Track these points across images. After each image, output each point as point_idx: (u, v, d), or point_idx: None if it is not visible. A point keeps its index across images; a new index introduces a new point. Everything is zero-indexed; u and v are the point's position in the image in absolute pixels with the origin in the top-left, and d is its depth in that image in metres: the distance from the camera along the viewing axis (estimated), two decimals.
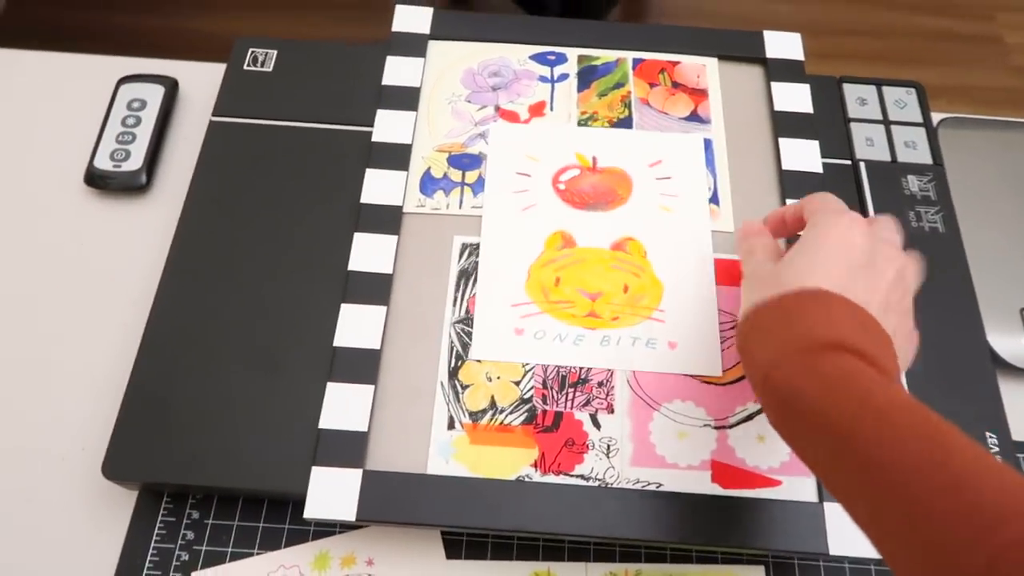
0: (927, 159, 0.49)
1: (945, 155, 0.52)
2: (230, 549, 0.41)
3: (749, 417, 0.39)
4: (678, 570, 0.40)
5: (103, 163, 0.50)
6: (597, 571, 0.40)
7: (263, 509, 0.42)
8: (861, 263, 0.34)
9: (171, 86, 0.54)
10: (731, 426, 0.39)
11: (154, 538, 0.41)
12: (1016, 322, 0.46)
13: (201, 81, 0.54)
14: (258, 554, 0.40)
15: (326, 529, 0.41)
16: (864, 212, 0.47)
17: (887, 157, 0.49)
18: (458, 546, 0.41)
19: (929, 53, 1.63)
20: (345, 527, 0.41)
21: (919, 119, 0.51)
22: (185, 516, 0.41)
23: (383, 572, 0.40)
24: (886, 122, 0.51)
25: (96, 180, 0.50)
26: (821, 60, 1.58)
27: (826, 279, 0.33)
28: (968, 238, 0.49)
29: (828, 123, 0.50)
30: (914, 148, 0.50)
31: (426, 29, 0.52)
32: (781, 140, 0.48)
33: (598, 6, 1.38)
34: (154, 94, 0.53)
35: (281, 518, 0.41)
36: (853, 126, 0.50)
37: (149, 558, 0.40)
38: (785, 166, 0.47)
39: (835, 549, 0.36)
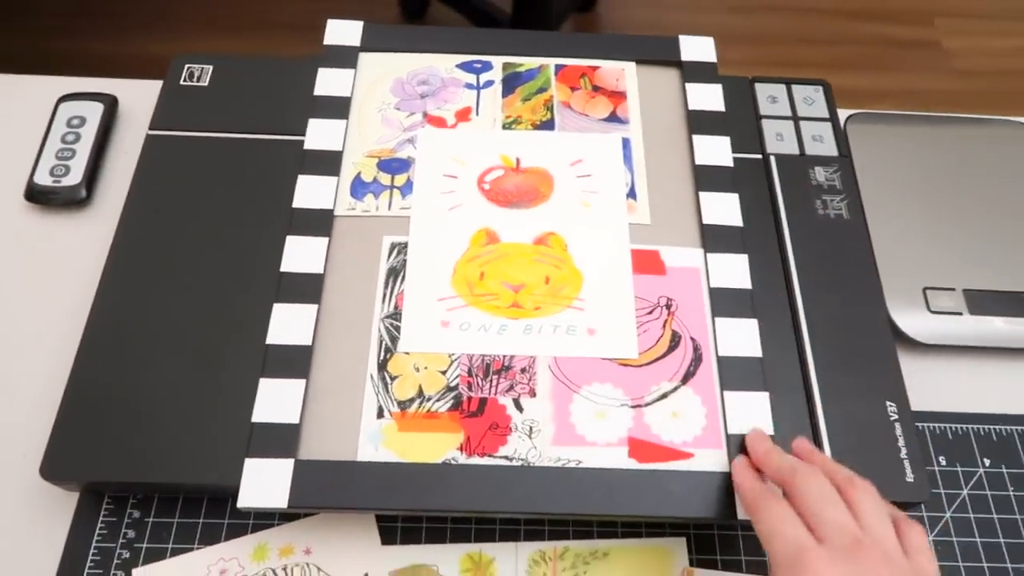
0: (833, 151, 0.52)
1: (854, 148, 0.55)
2: (171, 545, 0.42)
3: (664, 396, 0.42)
4: (604, 545, 0.42)
5: (43, 179, 0.51)
6: (527, 550, 0.42)
7: (202, 506, 0.43)
8: None
9: (110, 103, 0.55)
10: (646, 405, 0.41)
11: (95, 538, 0.42)
12: (919, 300, 0.49)
13: (140, 98, 0.56)
14: (198, 549, 0.42)
15: (265, 522, 0.42)
16: (774, 202, 0.49)
17: (796, 150, 0.52)
18: (393, 533, 0.42)
19: (875, 59, 1.69)
20: (284, 519, 0.42)
21: (826, 115, 0.54)
22: (126, 516, 0.42)
23: (320, 560, 0.42)
24: (795, 118, 0.54)
25: (37, 195, 0.51)
26: (773, 68, 1.64)
27: None
28: (876, 223, 0.52)
29: (741, 120, 0.53)
30: (821, 141, 0.53)
31: (357, 42, 0.54)
32: (695, 137, 0.51)
33: (549, 23, 1.41)
34: (93, 111, 0.54)
35: (220, 514, 0.43)
36: (764, 122, 0.53)
37: (90, 557, 0.41)
38: (698, 161, 0.50)
39: (743, 515, 0.38)
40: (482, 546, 0.42)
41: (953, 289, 0.50)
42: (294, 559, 0.42)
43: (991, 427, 0.47)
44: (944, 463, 0.46)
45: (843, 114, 0.56)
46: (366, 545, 0.42)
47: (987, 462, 0.46)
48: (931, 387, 0.48)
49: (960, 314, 0.49)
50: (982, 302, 0.49)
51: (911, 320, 0.49)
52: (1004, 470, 0.46)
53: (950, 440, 0.46)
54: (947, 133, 0.57)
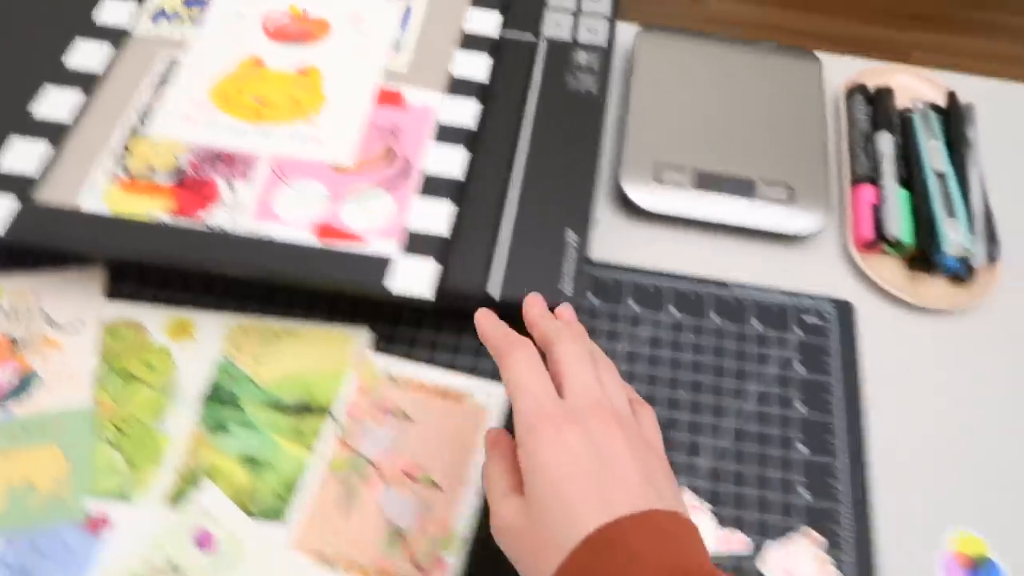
0: (602, 43, 0.58)
1: (638, 56, 0.61)
2: None
3: (362, 196, 0.47)
4: (296, 326, 0.47)
5: None
6: (230, 321, 0.47)
7: None
8: (598, 467, 0.32)
9: None
10: (345, 201, 0.46)
11: None
12: (651, 174, 0.54)
13: None
14: None
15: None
16: (531, 73, 0.54)
17: (568, 38, 0.58)
18: (119, 292, 0.48)
19: None
20: (23, 269, 0.48)
21: (608, 14, 0.59)
22: None
23: (45, 304, 0.47)
24: (577, 12, 0.59)
25: None
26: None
27: (585, 514, 0.30)
28: (635, 114, 0.57)
29: (529, 9, 0.58)
30: (594, 34, 0.58)
31: None
32: (470, 9, 0.56)
33: None
34: None
35: None
36: (547, 12, 0.59)
37: None
38: (466, 30, 0.55)
39: (394, 289, 0.43)
40: (194, 314, 0.47)
41: (683, 168, 0.55)
42: (24, 302, 0.47)
43: (686, 286, 0.51)
44: (634, 307, 0.50)
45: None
46: (89, 298, 0.47)
47: (672, 310, 0.50)
48: (654, 250, 0.53)
49: (684, 187, 0.54)
50: (705, 180, 0.54)
51: (640, 191, 0.54)
52: (684, 317, 0.50)
53: (649, 292, 0.51)
54: (728, 52, 0.62)
